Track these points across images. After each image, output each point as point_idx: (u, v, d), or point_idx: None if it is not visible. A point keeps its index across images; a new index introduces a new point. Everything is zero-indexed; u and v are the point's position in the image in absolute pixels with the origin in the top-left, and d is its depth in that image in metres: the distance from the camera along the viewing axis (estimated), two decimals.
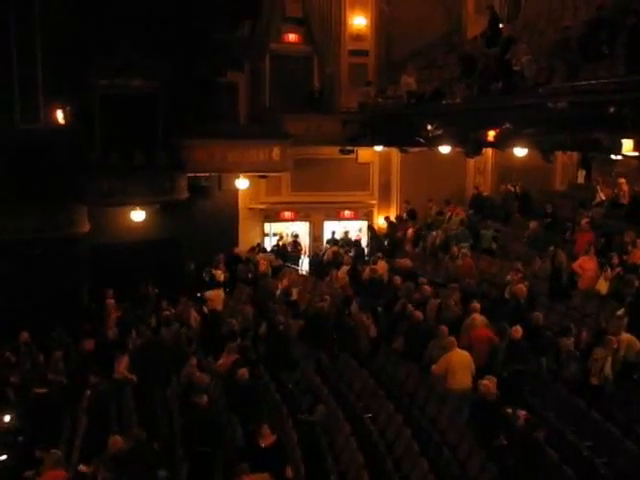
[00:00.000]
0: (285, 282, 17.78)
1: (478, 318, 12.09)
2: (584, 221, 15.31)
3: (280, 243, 21.32)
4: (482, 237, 17.90)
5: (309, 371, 12.47)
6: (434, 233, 18.76)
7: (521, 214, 18.67)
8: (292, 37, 21.83)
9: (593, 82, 10.56)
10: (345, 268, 17.53)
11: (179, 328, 14.28)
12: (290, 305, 16.24)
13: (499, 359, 11.42)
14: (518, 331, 11.30)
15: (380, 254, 18.02)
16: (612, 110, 9.08)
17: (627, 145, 9.35)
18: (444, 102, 14.75)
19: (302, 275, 19.82)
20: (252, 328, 14.26)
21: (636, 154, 9.40)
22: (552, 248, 14.64)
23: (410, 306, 13.12)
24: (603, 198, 17.29)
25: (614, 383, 10.46)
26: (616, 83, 10.22)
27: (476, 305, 12.40)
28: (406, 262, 16.90)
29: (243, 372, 11.07)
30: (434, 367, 11.22)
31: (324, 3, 21.52)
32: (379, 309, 14.18)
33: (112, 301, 15.98)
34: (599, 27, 11.85)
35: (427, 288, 14.14)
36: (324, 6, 21.54)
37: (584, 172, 19.76)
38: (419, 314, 12.71)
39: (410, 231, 19.58)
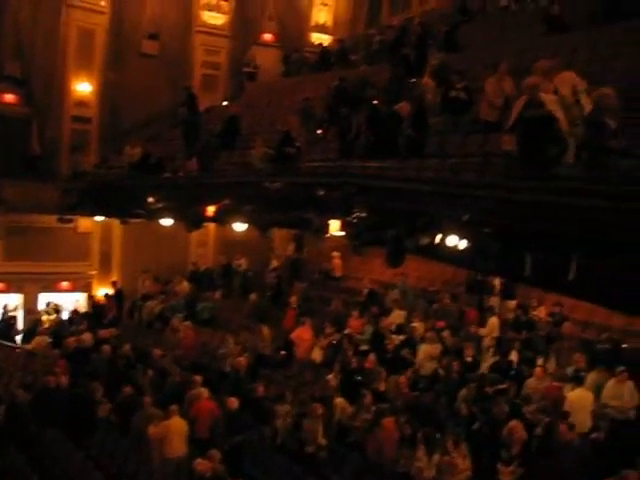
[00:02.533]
0: None
1: (201, 390, 12.12)
2: (292, 299, 16.09)
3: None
4: (200, 309, 18.13)
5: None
6: (150, 304, 18.61)
7: (243, 287, 19.23)
8: (9, 97, 20.71)
9: (306, 165, 11.31)
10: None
11: None
12: None
13: (219, 431, 11.45)
14: (234, 402, 11.49)
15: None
16: (322, 192, 9.78)
17: (334, 225, 10.11)
18: (166, 175, 14.86)
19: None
20: None
21: (342, 234, 10.18)
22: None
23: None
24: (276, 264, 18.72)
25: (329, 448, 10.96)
26: (327, 167, 11.05)
27: (197, 377, 12.44)
28: (110, 332, 16.58)
29: None
30: (151, 430, 10.96)
31: (47, 65, 20.87)
32: None
33: None
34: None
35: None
36: (46, 68, 20.87)
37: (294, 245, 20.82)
38: (128, 389, 12.38)
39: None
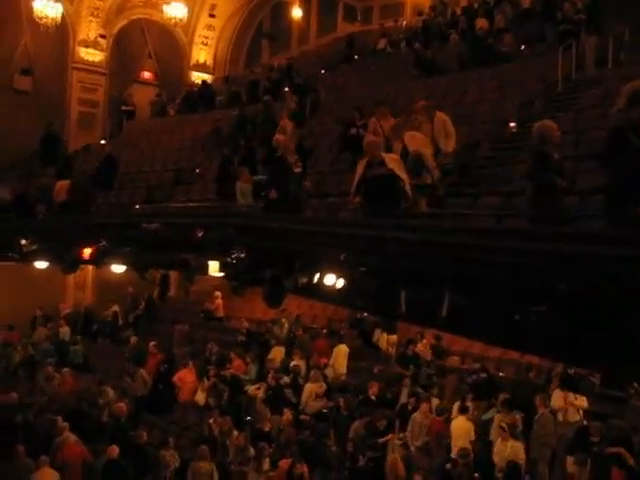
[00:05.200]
0: None
1: (68, 435, 11.86)
2: (152, 344, 15.90)
3: None
4: (72, 352, 17.68)
5: None
6: (16, 349, 17.88)
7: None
8: None
9: (183, 205, 11.19)
10: None
11: None
12: None
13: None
14: (115, 450, 11.12)
15: None
16: (200, 233, 9.69)
17: (213, 266, 10.02)
18: (39, 217, 14.32)
19: None
20: None
21: (222, 274, 10.10)
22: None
23: None
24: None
25: None
26: (205, 207, 10.97)
27: (63, 423, 12.22)
28: None
29: None
30: None
31: None
32: None
33: None
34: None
35: None
36: None
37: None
38: None
39: None
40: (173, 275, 20.49)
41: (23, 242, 13.48)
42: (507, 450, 10.18)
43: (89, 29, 23.31)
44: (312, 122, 15.81)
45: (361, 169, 8.01)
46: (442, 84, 14.93)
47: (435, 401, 11.98)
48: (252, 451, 11.44)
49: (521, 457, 10.13)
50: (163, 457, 11.64)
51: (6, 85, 21.55)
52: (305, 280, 8.45)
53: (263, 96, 17.64)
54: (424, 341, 14.31)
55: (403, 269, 7.12)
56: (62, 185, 13.43)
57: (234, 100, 19.55)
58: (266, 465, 11.21)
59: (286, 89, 17.78)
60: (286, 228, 9.06)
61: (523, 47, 15.69)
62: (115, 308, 19.85)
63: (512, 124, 11.55)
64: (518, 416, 10.68)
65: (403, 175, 7.77)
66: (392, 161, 7.93)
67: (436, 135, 9.20)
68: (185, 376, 14.77)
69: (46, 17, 20.43)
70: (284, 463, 10.81)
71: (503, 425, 10.35)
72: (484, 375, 12.19)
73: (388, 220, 7.51)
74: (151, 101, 22.97)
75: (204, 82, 22.98)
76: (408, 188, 7.75)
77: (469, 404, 11.36)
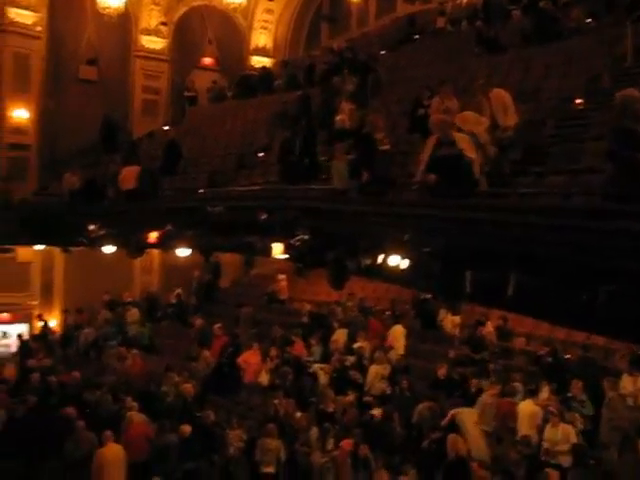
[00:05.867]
0: None
1: (138, 415, 12.18)
2: (217, 327, 16.13)
3: None
4: (138, 334, 18.15)
5: None
6: (85, 331, 18.50)
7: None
8: None
9: (247, 189, 11.30)
10: None
11: None
12: None
13: (171, 459, 11.35)
14: (186, 429, 11.43)
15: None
16: (264, 216, 9.78)
17: (277, 249, 10.10)
18: (106, 203, 14.68)
19: None
20: None
21: (286, 257, 10.17)
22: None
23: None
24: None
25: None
26: (267, 190, 11.05)
27: (131, 402, 12.60)
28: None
29: None
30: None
31: None
32: None
33: None
34: None
35: None
36: None
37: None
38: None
39: None
40: (236, 258, 20.72)
41: (91, 227, 13.86)
42: (558, 434, 10.03)
43: (150, 17, 23.62)
44: (373, 103, 15.70)
45: (430, 148, 7.85)
46: (505, 61, 14.62)
47: (500, 384, 11.85)
48: (316, 431, 11.56)
49: (572, 441, 9.97)
50: (229, 437, 11.82)
51: (73, 76, 22.05)
52: (369, 261, 8.45)
53: (322, 78, 17.63)
54: (489, 322, 14.17)
55: (468, 249, 7.06)
56: (129, 172, 13.71)
57: (292, 84, 19.56)
58: (330, 445, 11.32)
59: (345, 71, 17.69)
60: (350, 209, 9.06)
61: (589, 20, 15.22)
62: (179, 291, 20.22)
63: (578, 100, 11.24)
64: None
65: (473, 155, 7.62)
66: (463, 141, 7.78)
67: (494, 111, 9.03)
68: (249, 358, 14.94)
69: (109, 7, 20.86)
70: (346, 444, 10.87)
71: (552, 409, 10.21)
72: (551, 358, 12.02)
73: (453, 200, 7.43)
74: (208, 88, 23.17)
75: (263, 67, 23.08)
76: (477, 169, 7.61)
77: (538, 387, 11.22)
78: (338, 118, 12.14)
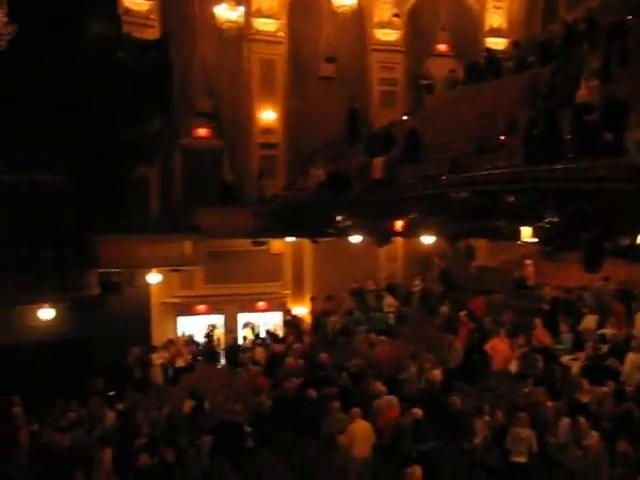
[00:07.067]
0: None
1: (388, 398, 12.60)
2: (462, 313, 15.98)
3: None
4: (375, 319, 18.56)
5: None
6: (333, 318, 19.24)
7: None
8: (202, 131, 22.18)
9: (491, 173, 11.10)
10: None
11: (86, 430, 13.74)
12: None
13: (406, 439, 11.64)
14: (418, 412, 11.70)
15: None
16: (510, 199, 9.56)
17: (526, 232, 9.83)
18: (352, 193, 15.18)
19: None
20: None
21: (534, 240, 9.88)
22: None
23: None
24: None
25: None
26: (512, 173, 10.78)
27: (382, 387, 13.05)
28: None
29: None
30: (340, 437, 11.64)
31: (233, 98, 22.11)
32: None
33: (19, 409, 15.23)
34: None
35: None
36: (233, 101, 22.12)
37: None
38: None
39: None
40: (480, 245, 20.53)
41: (339, 218, 14.43)
42: None
43: (383, 11, 24.02)
44: (620, 74, 14.64)
45: None
46: None
47: None
48: (567, 422, 11.08)
49: None
50: (476, 424, 11.75)
51: (313, 75, 23.06)
52: (627, 242, 7.95)
53: (559, 54, 16.74)
54: None
55: None
56: (377, 162, 14.09)
57: (523, 64, 18.75)
58: (585, 439, 10.75)
59: (585, 44, 16.66)
60: (602, 188, 8.56)
61: None
62: (418, 280, 20.42)
63: None
64: None
65: None
66: None
67: None
68: (497, 345, 14.69)
69: (344, 5, 21.51)
70: (602, 438, 10.27)
71: None
72: None
73: None
74: (445, 78, 23.03)
75: (488, 49, 22.42)
76: None
77: None
78: (580, 93, 11.48)
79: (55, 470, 11.90)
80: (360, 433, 11.55)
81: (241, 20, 20.02)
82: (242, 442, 12.57)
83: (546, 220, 9.03)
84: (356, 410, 11.84)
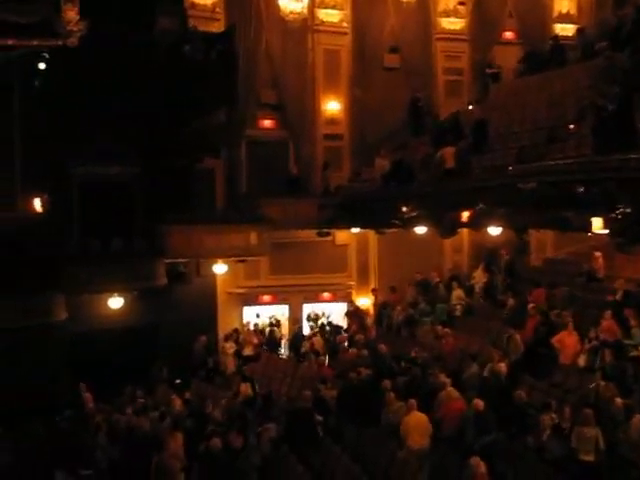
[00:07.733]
0: None
1: (450, 390, 12.57)
2: (530, 306, 15.73)
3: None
4: (437, 310, 18.59)
5: None
6: (397, 309, 19.29)
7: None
8: (267, 123, 22.32)
9: (560, 162, 10.88)
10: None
11: (157, 416, 14.08)
12: None
13: (469, 431, 11.58)
14: (479, 403, 11.60)
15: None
16: (580, 190, 9.36)
17: (597, 223, 9.61)
18: (417, 184, 15.10)
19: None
20: None
21: (606, 232, 9.65)
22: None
23: None
24: None
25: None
26: (583, 163, 10.55)
27: (446, 379, 12.96)
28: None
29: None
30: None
31: (298, 89, 22.15)
32: None
33: (89, 395, 15.73)
34: None
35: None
36: (298, 92, 22.15)
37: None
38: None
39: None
40: (548, 236, 20.15)
41: (404, 209, 14.38)
42: None
43: None
44: None
45: None
46: None
47: None
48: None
49: None
50: (542, 420, 11.54)
51: (378, 65, 22.92)
52: None
53: (630, 39, 16.19)
54: None
55: None
56: (448, 152, 13.97)
57: (588, 52, 18.17)
58: None
59: None
60: None
61: None
62: (479, 271, 20.20)
63: None
64: None
65: None
66: None
67: None
68: (565, 338, 14.43)
69: None
70: None
71: None
72: None
73: None
74: (513, 69, 22.57)
75: (555, 36, 21.84)
76: None
77: None
78: None
79: (137, 453, 12.24)
80: (415, 424, 11.59)
81: (305, 11, 20.02)
82: (313, 430, 12.61)
83: (618, 211, 8.80)
84: (412, 401, 11.88)
